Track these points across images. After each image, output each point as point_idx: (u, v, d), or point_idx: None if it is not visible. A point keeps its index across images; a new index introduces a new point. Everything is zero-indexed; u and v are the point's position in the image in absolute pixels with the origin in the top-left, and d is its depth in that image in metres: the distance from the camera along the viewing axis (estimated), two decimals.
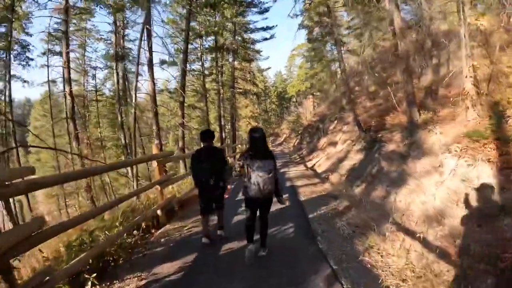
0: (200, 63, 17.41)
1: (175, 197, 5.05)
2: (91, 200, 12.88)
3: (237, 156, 16.53)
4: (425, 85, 7.93)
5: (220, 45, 15.86)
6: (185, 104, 16.35)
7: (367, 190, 6.05)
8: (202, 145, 3.52)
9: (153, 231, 4.09)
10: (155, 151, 5.09)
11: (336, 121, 15.55)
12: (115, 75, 16.52)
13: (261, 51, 20.98)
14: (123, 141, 15.93)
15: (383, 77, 13.76)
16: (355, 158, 7.88)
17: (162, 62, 16.92)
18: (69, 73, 13.75)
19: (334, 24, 14.70)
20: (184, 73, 12.18)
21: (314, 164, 10.85)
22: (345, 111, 14.15)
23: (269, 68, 22.84)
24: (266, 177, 2.81)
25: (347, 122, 12.99)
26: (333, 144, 12.32)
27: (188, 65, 16.92)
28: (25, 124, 27.16)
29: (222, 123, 22.17)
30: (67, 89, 13.45)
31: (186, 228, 4.12)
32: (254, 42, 20.29)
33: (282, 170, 9.95)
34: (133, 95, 11.62)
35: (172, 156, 5.95)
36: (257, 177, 2.80)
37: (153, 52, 11.18)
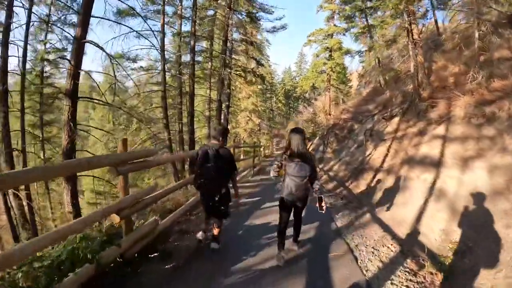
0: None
1: None
2: None
3: None
4: None
5: None
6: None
7: None
8: (210, 143, 3.20)
9: None
10: None
11: (397, 118, 8.98)
12: None
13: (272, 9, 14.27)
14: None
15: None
16: None
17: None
18: None
19: None
20: None
21: (419, 234, 4.06)
22: (428, 100, 7.55)
23: (283, 27, 13.66)
24: (299, 183, 2.69)
25: (442, 118, 6.40)
26: (423, 164, 5.71)
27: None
28: None
29: (197, 115, 15.59)
30: None
31: None
32: None
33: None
34: None
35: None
36: (290, 181, 2.72)
37: None
